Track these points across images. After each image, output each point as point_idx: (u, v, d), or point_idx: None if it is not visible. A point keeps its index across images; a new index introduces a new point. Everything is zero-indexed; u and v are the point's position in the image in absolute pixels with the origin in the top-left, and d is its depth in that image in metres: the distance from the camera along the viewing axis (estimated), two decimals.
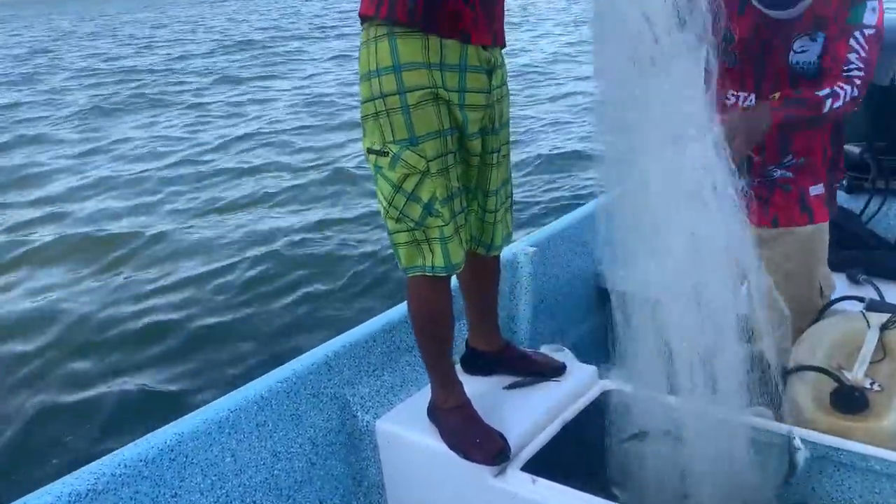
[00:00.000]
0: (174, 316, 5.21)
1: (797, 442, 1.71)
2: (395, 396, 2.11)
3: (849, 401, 1.89)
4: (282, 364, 2.00)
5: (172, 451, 1.68)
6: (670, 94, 1.52)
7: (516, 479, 1.74)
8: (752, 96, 2.19)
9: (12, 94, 16.69)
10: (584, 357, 2.25)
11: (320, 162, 9.06)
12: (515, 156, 5.65)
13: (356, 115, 2.19)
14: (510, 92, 1.92)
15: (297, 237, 6.53)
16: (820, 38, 2.08)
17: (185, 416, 1.77)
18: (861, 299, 2.32)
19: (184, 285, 5.72)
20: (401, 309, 2.29)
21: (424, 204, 1.70)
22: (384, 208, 1.75)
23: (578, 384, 2.07)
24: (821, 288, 2.29)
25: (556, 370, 2.11)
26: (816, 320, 2.25)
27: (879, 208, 3.01)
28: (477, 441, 1.80)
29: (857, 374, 1.94)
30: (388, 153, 1.69)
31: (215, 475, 1.76)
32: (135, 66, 20.19)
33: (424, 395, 1.99)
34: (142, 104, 14.24)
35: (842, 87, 2.02)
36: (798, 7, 2.06)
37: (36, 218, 7.81)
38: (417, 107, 1.66)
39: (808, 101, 2.03)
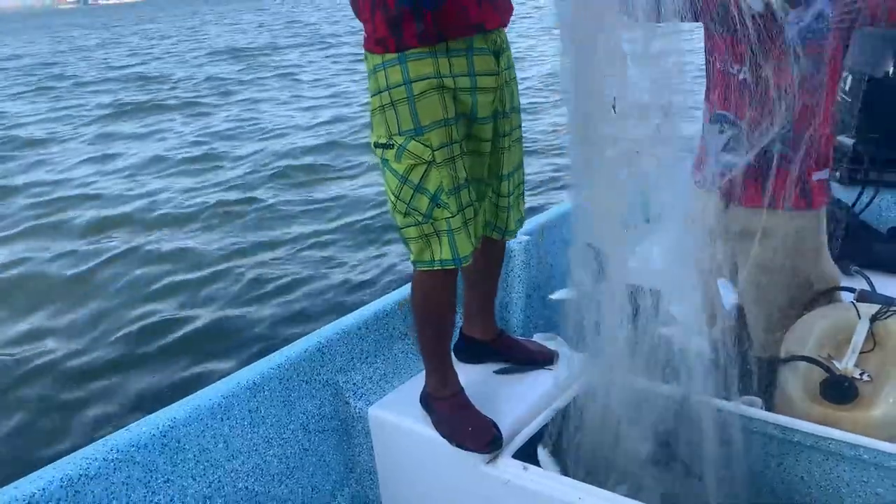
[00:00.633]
0: (174, 314, 5.24)
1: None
2: (388, 383, 2.12)
3: (839, 391, 1.90)
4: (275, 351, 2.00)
5: (164, 436, 1.68)
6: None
7: (508, 467, 1.75)
8: (745, 69, 2.16)
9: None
10: (576, 345, 2.25)
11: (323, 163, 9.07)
12: None
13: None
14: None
15: (296, 237, 6.55)
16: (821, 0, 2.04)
17: (178, 402, 1.77)
18: (852, 290, 2.33)
19: (184, 286, 5.74)
20: (394, 296, 2.29)
21: (431, 195, 1.69)
22: (392, 202, 1.74)
23: (570, 372, 2.08)
24: (816, 280, 2.28)
25: (548, 358, 2.12)
26: (808, 310, 2.26)
27: (872, 200, 3.02)
28: (469, 429, 1.80)
29: (847, 365, 1.95)
30: (393, 145, 1.69)
31: (207, 461, 1.76)
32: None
33: (417, 382, 2.00)
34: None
35: None
36: None
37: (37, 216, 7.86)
38: (422, 96, 1.65)
39: None
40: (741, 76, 2.13)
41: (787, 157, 2.17)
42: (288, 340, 2.08)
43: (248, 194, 8.02)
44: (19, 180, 9.57)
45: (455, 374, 1.93)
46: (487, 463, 1.77)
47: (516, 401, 1.96)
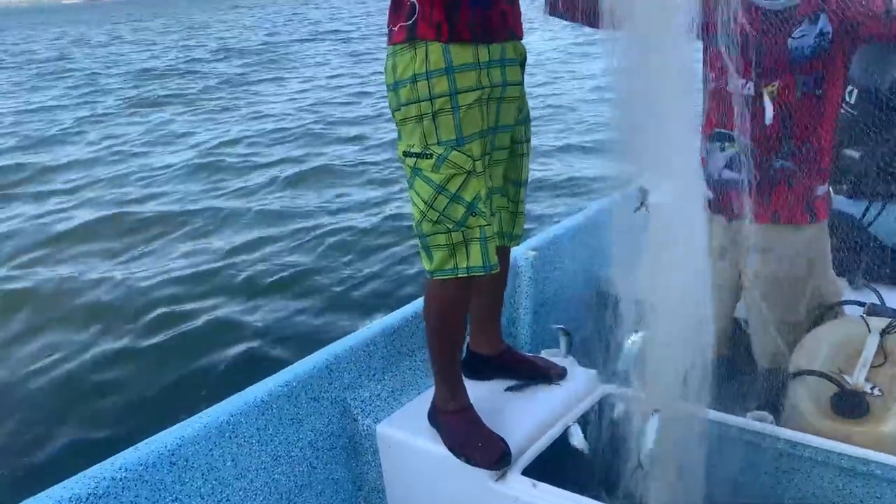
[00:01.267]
0: (176, 316, 5.23)
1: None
2: (396, 400, 2.11)
3: (849, 405, 1.89)
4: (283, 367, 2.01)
5: (173, 455, 1.68)
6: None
7: (517, 484, 1.74)
8: (751, 84, 2.18)
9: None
10: (584, 361, 2.25)
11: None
12: None
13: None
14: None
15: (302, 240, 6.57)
16: (822, 18, 2.06)
17: (186, 421, 1.77)
18: (861, 304, 2.32)
19: (185, 288, 5.73)
20: (401, 313, 2.29)
21: (468, 204, 1.69)
22: (420, 211, 1.73)
23: (579, 388, 2.07)
24: (821, 294, 2.28)
25: (557, 374, 2.11)
26: (817, 324, 2.25)
27: (880, 213, 3.01)
28: (479, 445, 1.79)
29: (857, 379, 1.94)
30: (431, 154, 1.68)
31: (216, 479, 1.76)
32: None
33: (425, 399, 1.99)
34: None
35: None
36: None
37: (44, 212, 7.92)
38: (470, 108, 1.67)
39: None
40: (743, 92, 2.14)
41: (790, 172, 2.18)
42: (297, 355, 2.08)
43: (261, 193, 8.07)
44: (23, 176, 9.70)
45: (464, 389, 1.92)
46: (496, 480, 1.76)
47: (525, 417, 1.95)
